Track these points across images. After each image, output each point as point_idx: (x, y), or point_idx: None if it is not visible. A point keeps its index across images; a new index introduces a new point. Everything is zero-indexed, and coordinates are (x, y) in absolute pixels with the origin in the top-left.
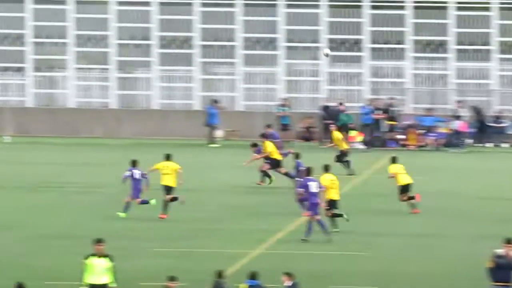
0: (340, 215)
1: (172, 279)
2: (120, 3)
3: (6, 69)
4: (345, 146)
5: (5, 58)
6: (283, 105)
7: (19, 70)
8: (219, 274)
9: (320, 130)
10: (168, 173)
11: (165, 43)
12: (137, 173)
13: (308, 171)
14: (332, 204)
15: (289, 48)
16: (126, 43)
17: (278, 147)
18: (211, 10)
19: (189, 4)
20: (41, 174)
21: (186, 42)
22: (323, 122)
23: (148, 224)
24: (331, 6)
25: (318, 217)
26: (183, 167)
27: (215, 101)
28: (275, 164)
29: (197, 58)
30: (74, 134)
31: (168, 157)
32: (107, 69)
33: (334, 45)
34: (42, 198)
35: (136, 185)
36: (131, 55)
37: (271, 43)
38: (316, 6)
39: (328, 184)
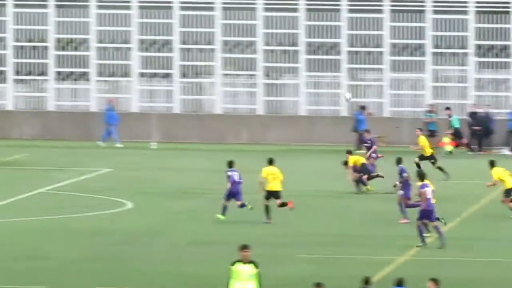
0: (437, 218)
1: (318, 285)
2: (268, 9)
3: (153, 75)
4: (429, 151)
5: (153, 64)
6: (430, 111)
7: (166, 76)
8: (366, 281)
9: (468, 136)
10: (273, 178)
11: (312, 49)
12: (236, 175)
13: (423, 176)
14: None
15: (436, 54)
16: (273, 49)
17: (373, 152)
18: (358, 16)
19: (337, 10)
20: (187, 181)
21: (333, 48)
22: (470, 128)
23: (291, 230)
24: (478, 12)
25: (435, 223)
26: (329, 173)
27: (363, 107)
28: (364, 171)
29: (344, 64)
30: (221, 140)
31: (271, 162)
32: (254, 75)
33: (482, 50)
34: (188, 204)
35: (236, 188)
36: (278, 61)
37: (418, 49)
38: (464, 12)
39: None
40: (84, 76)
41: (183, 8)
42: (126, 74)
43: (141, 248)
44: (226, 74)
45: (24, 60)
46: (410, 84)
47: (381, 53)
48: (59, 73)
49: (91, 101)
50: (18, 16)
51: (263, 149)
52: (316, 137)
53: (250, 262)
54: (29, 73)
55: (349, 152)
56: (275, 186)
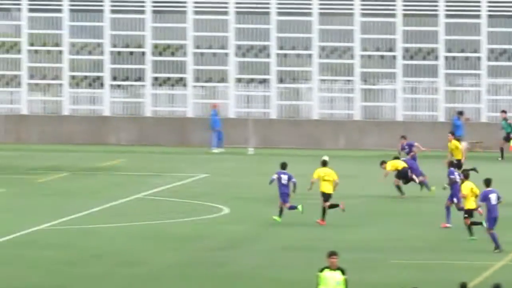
0: (479, 223)
1: None
2: (365, 15)
3: (251, 80)
4: (460, 156)
5: (250, 70)
6: None
7: (263, 81)
8: (462, 287)
9: None
10: (327, 179)
11: (410, 54)
12: (284, 178)
13: (489, 182)
14: (470, 213)
15: None
16: (371, 55)
17: (413, 157)
18: (456, 22)
19: (435, 15)
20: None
21: (430, 54)
22: None
23: (383, 235)
24: None
25: (491, 231)
26: (429, 179)
27: (460, 113)
28: (402, 175)
29: (441, 69)
30: (317, 145)
31: (324, 164)
32: (351, 80)
33: None
34: (284, 210)
35: (283, 190)
36: (375, 66)
37: None
38: None
39: (468, 193)
40: (181, 81)
41: (280, 14)
42: (223, 79)
43: (237, 253)
44: (323, 80)
45: (121, 66)
46: (507, 89)
47: (478, 58)
48: (156, 78)
49: (187, 107)
50: (115, 21)
51: (360, 155)
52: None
53: (338, 268)
54: (126, 79)
55: (384, 163)
56: (326, 188)
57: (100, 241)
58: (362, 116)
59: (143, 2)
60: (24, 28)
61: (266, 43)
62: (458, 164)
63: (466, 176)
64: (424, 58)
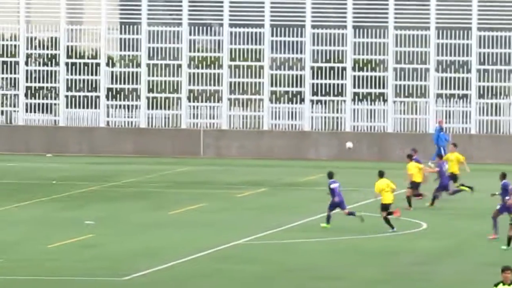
0: None
1: None
2: None
3: (451, 95)
4: (454, 169)
5: (450, 85)
6: None
7: (463, 97)
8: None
9: None
10: (387, 191)
11: None
12: (336, 185)
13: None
14: None
15: None
16: None
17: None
18: None
19: None
20: (482, 202)
21: None
22: None
23: None
24: None
25: None
26: None
27: None
28: (414, 186)
29: None
30: None
31: (382, 175)
32: None
33: None
34: (481, 225)
35: (340, 198)
36: None
37: None
38: None
39: None
40: (381, 96)
41: (480, 29)
42: (423, 95)
43: (436, 269)
44: None
45: (321, 81)
46: None
47: None
48: (356, 93)
49: (387, 122)
50: (316, 36)
51: None
52: None
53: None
54: (326, 94)
55: (410, 157)
56: (387, 199)
57: (296, 255)
58: None
59: (344, 17)
60: (225, 43)
61: (466, 58)
62: (453, 178)
63: None
64: None
